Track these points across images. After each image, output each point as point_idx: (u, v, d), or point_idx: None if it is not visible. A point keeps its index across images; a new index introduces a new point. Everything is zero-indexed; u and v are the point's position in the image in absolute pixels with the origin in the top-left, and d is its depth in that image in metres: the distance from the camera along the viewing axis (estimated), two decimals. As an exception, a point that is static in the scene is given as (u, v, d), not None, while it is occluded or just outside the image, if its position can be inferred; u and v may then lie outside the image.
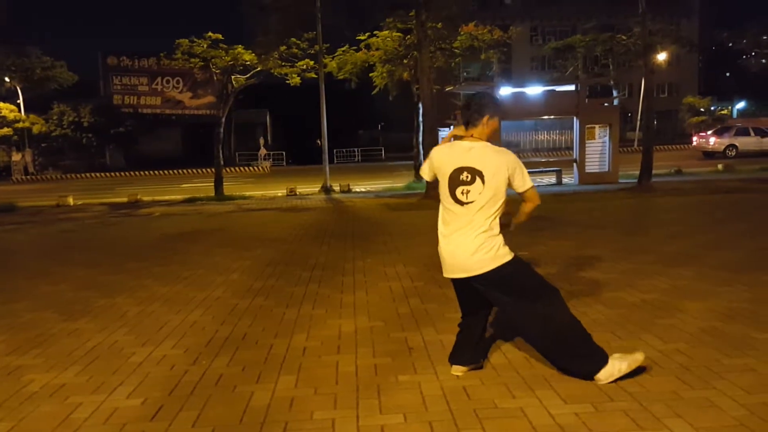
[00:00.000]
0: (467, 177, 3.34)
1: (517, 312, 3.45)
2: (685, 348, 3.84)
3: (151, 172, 35.95)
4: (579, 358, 3.40)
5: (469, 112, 3.47)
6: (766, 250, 6.82)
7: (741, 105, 57.64)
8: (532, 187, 3.42)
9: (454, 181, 3.37)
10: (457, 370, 3.62)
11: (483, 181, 3.30)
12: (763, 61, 23.25)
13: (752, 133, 29.01)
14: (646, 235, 8.51)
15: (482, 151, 3.36)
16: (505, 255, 3.38)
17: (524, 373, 3.56)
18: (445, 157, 3.43)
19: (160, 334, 4.60)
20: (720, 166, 20.86)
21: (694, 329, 4.18)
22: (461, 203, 3.36)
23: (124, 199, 17.88)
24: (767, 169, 19.46)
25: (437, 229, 3.53)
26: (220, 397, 3.38)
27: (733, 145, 28.44)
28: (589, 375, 3.36)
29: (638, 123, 34.02)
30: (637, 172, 15.81)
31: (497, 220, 3.39)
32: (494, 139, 3.52)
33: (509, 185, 3.35)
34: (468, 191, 3.34)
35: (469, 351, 3.64)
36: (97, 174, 37.07)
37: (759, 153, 27.08)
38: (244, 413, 3.17)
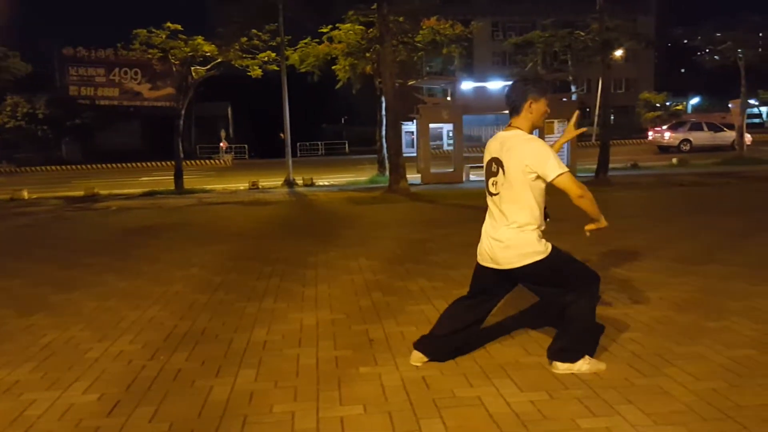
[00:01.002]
0: (495, 168, 3.36)
1: (547, 296, 3.49)
2: (638, 336, 3.95)
3: (109, 165, 35.18)
4: (581, 344, 3.43)
5: (510, 100, 3.40)
6: (718, 242, 7.06)
7: (695, 100, 59.28)
8: (560, 174, 3.18)
9: (488, 172, 3.42)
10: (419, 357, 3.63)
11: (504, 172, 3.30)
12: (717, 57, 23.86)
13: (706, 128, 29.87)
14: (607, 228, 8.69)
15: (511, 140, 3.32)
16: (537, 253, 3.29)
17: (482, 362, 3.62)
18: (488, 148, 3.46)
19: (117, 330, 4.53)
20: (675, 161, 21.45)
21: (647, 318, 4.31)
22: (491, 194, 3.41)
23: (81, 193, 17.46)
24: (719, 164, 20.11)
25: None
26: (178, 392, 3.35)
27: (687, 140, 29.24)
28: (573, 360, 3.41)
29: (596, 118, 34.69)
30: (595, 167, 16.13)
31: (533, 213, 3.30)
32: (539, 124, 3.41)
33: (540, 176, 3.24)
34: (495, 182, 3.37)
35: (442, 340, 3.61)
36: (54, 167, 36.09)
37: (712, 147, 27.90)
38: (203, 408, 3.15)
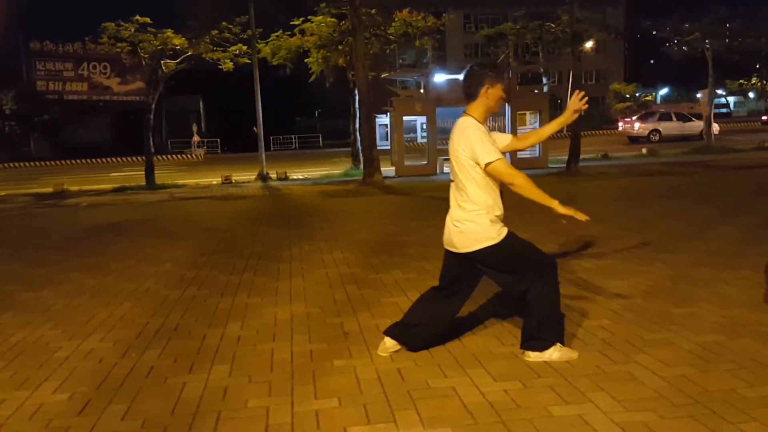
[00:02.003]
0: (449, 154, 3.46)
1: (503, 283, 3.51)
2: (608, 324, 4.01)
3: (79, 160, 34.57)
4: (547, 333, 3.44)
5: (467, 86, 3.40)
6: (685, 230, 7.19)
7: (664, 91, 60.24)
8: (492, 162, 3.22)
9: (449, 159, 3.48)
10: (387, 348, 3.63)
11: (452, 160, 3.40)
12: (684, 48, 24.24)
13: (674, 119, 30.39)
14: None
15: (456, 128, 3.40)
16: (489, 238, 3.34)
17: (456, 353, 3.64)
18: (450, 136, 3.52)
19: (87, 328, 4.46)
20: (644, 150, 21.78)
21: (617, 306, 4.37)
22: (450, 180, 3.50)
23: (50, 190, 17.14)
24: (687, 153, 20.48)
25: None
26: (150, 390, 3.32)
27: (656, 130, 29.72)
28: (542, 348, 3.44)
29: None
30: (566, 157, 16.32)
31: (482, 199, 3.33)
32: (495, 110, 3.44)
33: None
34: (451, 169, 3.48)
35: (413, 329, 3.63)
36: (21, 163, 35.35)
37: (680, 137, 28.39)
38: (176, 404, 3.12)
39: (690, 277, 5.09)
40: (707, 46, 22.83)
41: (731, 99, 60.15)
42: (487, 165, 3.24)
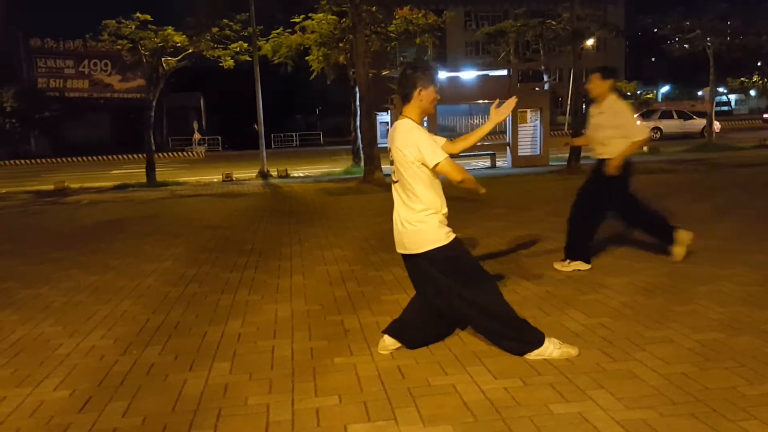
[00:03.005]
0: (391, 156, 3.47)
1: (451, 293, 3.48)
2: (608, 322, 4.01)
3: (79, 158, 34.57)
4: (506, 340, 3.51)
5: (400, 88, 3.44)
6: (685, 227, 7.17)
7: (665, 89, 60.16)
8: (439, 162, 3.27)
9: (391, 161, 3.48)
10: (386, 345, 3.65)
11: (395, 161, 3.42)
12: (686, 46, 24.22)
13: (675, 116, 30.36)
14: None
15: (397, 130, 3.42)
16: (437, 239, 3.39)
17: (456, 350, 3.64)
18: (388, 137, 3.53)
19: (88, 325, 4.46)
20: (645, 149, 21.71)
21: (617, 304, 4.38)
22: (393, 182, 3.51)
23: (51, 187, 17.13)
24: (688, 151, 20.45)
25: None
26: (151, 387, 3.32)
27: (657, 128, 29.67)
28: (519, 353, 3.48)
29: (568, 107, 34.98)
30: (567, 155, 16.30)
31: (430, 199, 3.37)
32: (430, 111, 3.46)
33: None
34: (393, 170, 3.48)
35: (410, 327, 3.66)
36: (22, 161, 35.36)
37: (682, 135, 28.36)
38: (177, 401, 3.12)
39: (690, 274, 5.09)
40: (708, 43, 22.79)
41: (732, 97, 60.06)
42: (436, 164, 3.27)
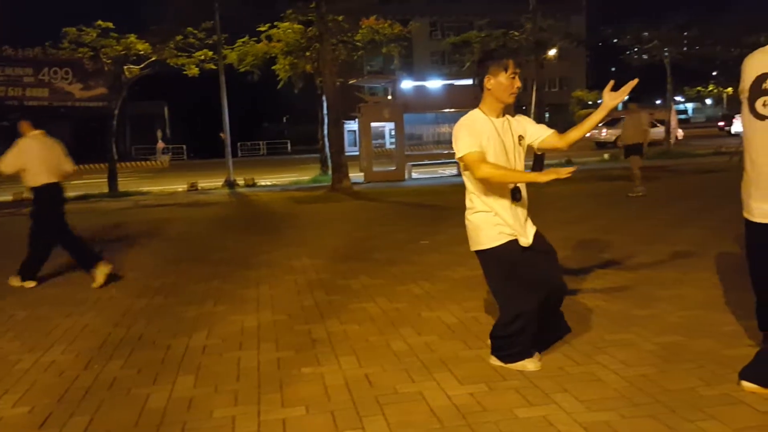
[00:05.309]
0: None
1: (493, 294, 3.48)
2: (571, 326, 4.06)
3: (39, 168, 33.68)
4: (503, 348, 3.44)
5: (476, 79, 3.34)
6: (645, 233, 7.35)
7: (625, 98, 61.40)
8: (465, 155, 3.18)
9: None
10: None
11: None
12: (645, 56, 24.88)
13: None
14: (541, 221, 8.92)
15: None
16: (477, 242, 3.34)
17: (423, 357, 3.66)
18: None
19: (48, 339, 4.36)
20: (606, 156, 22.20)
21: (580, 308, 4.45)
22: None
23: (10, 198, 16.69)
24: (648, 158, 20.83)
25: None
26: (113, 401, 3.26)
27: (622, 136, 30.23)
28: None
29: (532, 115, 35.51)
30: (530, 164, 16.52)
31: (479, 196, 3.30)
32: (505, 100, 3.27)
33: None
34: None
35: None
36: (-23, 171, 34.29)
37: (648, 142, 28.91)
38: (140, 416, 3.07)
39: (651, 278, 5.20)
40: (666, 53, 23.42)
41: (689, 105, 61.73)
42: (461, 157, 3.22)
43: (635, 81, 3.25)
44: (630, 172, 11.18)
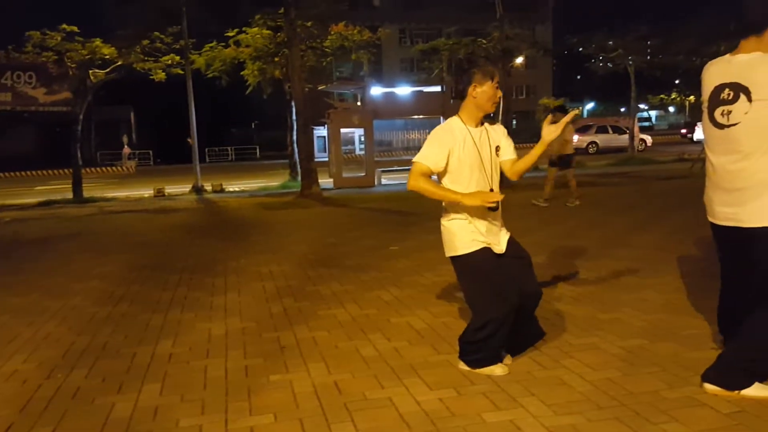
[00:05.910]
0: None
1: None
2: (539, 331, 4.12)
3: (2, 174, 32.88)
4: (471, 353, 3.46)
5: (456, 85, 3.38)
6: (608, 238, 7.48)
7: (590, 105, 62.63)
8: (414, 160, 3.34)
9: None
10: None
11: None
12: (609, 65, 25.43)
13: (611, 131, 31.63)
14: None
15: None
16: (449, 248, 3.41)
17: (393, 363, 3.67)
18: None
19: (9, 348, 4.25)
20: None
21: (546, 312, 4.49)
22: None
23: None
24: (613, 164, 21.32)
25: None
26: (77, 411, 3.19)
27: (594, 142, 30.87)
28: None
29: (499, 122, 35.89)
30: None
31: (451, 204, 3.34)
32: (486, 108, 3.31)
33: None
34: None
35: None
36: (-64, 177, 33.35)
37: (616, 149, 29.50)
38: (104, 426, 3.01)
39: (615, 283, 5.30)
40: (630, 62, 23.93)
41: (653, 113, 63.08)
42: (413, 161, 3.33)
43: (575, 112, 3.49)
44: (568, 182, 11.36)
